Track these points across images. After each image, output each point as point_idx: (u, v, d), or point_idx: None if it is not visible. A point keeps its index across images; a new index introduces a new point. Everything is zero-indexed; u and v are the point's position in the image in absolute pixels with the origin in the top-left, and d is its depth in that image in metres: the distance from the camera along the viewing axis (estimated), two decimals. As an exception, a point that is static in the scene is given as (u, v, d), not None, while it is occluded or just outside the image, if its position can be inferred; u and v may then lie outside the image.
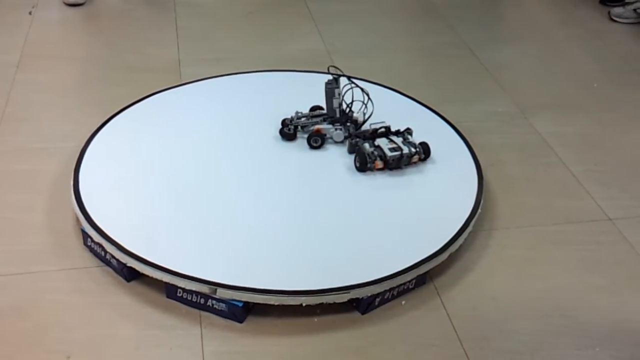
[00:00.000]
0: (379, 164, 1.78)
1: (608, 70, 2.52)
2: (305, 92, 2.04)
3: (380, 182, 1.77)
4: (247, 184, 1.75)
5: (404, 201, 1.71)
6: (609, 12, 2.89)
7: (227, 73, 2.23)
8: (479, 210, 1.70)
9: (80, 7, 2.80)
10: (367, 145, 1.80)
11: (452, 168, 1.83)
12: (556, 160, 2.00)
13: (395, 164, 1.79)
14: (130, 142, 1.88)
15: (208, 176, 1.76)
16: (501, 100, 2.29)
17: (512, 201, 1.83)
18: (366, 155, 1.78)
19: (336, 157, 1.85)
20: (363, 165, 1.78)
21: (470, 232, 1.65)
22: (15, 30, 2.60)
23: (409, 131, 1.86)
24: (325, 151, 1.88)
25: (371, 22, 2.80)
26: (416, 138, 1.85)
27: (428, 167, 1.82)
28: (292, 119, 1.93)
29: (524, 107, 2.25)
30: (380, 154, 1.78)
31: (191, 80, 2.20)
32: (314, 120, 1.92)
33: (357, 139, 1.83)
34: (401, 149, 1.79)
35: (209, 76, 2.21)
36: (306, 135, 1.89)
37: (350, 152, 1.84)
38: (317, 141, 1.88)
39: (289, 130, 1.91)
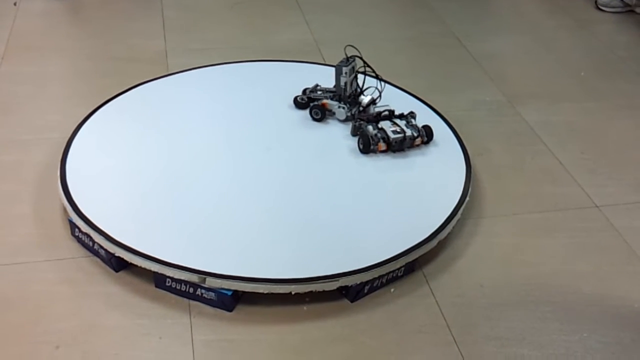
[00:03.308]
0: (382, 146, 1.79)
1: (595, 60, 2.53)
2: (293, 82, 2.04)
3: (367, 169, 1.77)
4: (235, 172, 1.74)
5: (392, 190, 1.71)
6: (595, 1, 2.90)
7: (214, 63, 2.23)
8: (467, 198, 1.70)
9: (65, -2, 2.79)
10: (370, 127, 1.82)
11: (440, 157, 1.83)
12: (543, 149, 2.01)
13: (398, 146, 1.81)
14: (117, 133, 1.87)
15: (196, 165, 1.76)
16: (489, 90, 2.30)
17: (499, 189, 1.84)
18: (369, 137, 1.79)
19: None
20: (366, 147, 1.80)
21: (459, 220, 1.66)
22: None
23: (412, 115, 1.88)
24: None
25: (359, 12, 2.80)
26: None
27: (416, 155, 1.82)
28: (309, 90, 1.98)
29: (512, 97, 2.26)
30: (384, 136, 1.80)
31: (178, 70, 2.19)
32: (326, 94, 1.95)
33: (361, 122, 1.84)
34: (404, 132, 1.81)
35: (196, 66, 2.20)
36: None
37: (354, 134, 1.86)
38: (317, 114, 1.92)
39: (301, 100, 1.97)
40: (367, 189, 1.71)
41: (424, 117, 1.95)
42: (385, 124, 1.84)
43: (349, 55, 1.90)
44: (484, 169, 1.90)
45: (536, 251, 1.65)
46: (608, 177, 1.91)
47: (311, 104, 1.96)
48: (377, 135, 1.80)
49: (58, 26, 2.63)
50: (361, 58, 1.90)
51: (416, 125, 1.85)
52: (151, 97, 2.04)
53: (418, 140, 1.83)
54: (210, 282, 1.43)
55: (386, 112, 1.87)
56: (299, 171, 1.76)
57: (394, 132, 1.81)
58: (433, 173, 1.78)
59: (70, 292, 1.49)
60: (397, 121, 1.85)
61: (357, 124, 1.85)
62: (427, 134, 1.84)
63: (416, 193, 1.71)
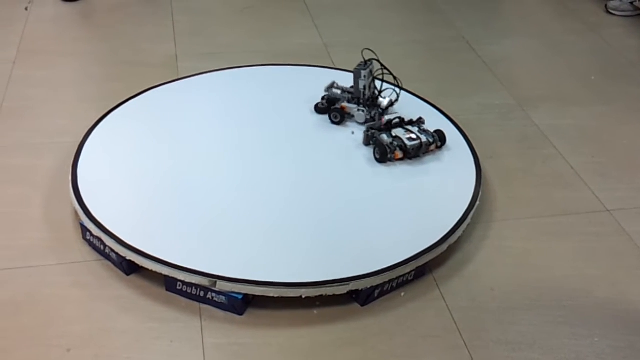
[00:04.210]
0: (399, 154, 1.78)
1: (605, 63, 2.52)
2: (303, 86, 2.05)
3: (378, 173, 1.77)
4: (246, 176, 1.74)
5: (402, 194, 1.71)
6: (605, 5, 2.90)
7: (224, 67, 2.24)
8: (478, 202, 1.70)
9: (76, 3, 2.80)
10: (384, 136, 1.80)
11: (450, 161, 1.83)
12: (554, 153, 2.01)
13: (415, 153, 1.80)
14: (128, 137, 1.88)
15: (207, 169, 1.76)
16: (499, 93, 2.30)
17: (510, 193, 1.83)
18: (386, 146, 1.77)
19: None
20: (383, 156, 1.78)
21: (469, 224, 1.66)
22: (11, 26, 2.60)
23: (421, 120, 1.87)
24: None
25: (368, 15, 2.81)
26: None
27: (427, 159, 1.82)
28: (327, 87, 1.97)
29: (522, 100, 2.25)
30: (400, 144, 1.78)
31: (189, 74, 2.20)
32: (344, 95, 1.95)
33: (373, 131, 1.83)
34: (419, 138, 1.80)
35: (206, 70, 2.21)
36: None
37: (366, 144, 1.84)
38: (336, 117, 1.93)
39: (322, 106, 1.96)
40: (377, 193, 1.71)
41: (435, 121, 1.94)
42: (398, 132, 1.82)
43: (366, 59, 1.89)
44: (494, 173, 1.90)
45: (547, 255, 1.65)
46: (619, 181, 1.90)
47: (331, 107, 1.95)
48: (393, 144, 1.78)
49: (69, 31, 2.64)
50: (378, 61, 1.90)
51: (429, 131, 1.84)
52: (162, 101, 2.05)
53: (433, 146, 1.82)
54: (221, 285, 1.44)
55: (397, 120, 1.86)
56: (309, 175, 1.77)
57: (410, 139, 1.79)
58: (443, 177, 1.78)
59: (81, 296, 1.49)
60: (410, 128, 1.84)
61: (369, 133, 1.83)
62: (440, 139, 1.84)
63: (426, 197, 1.71)
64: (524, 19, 2.87)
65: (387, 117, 1.86)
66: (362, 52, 1.89)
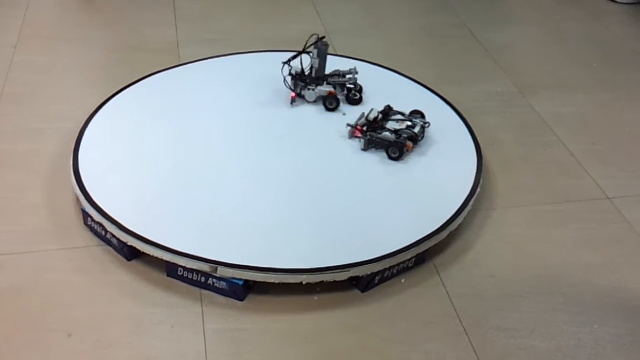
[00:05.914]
0: (410, 145, 1.76)
1: (607, 51, 2.51)
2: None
3: (379, 160, 1.77)
4: (247, 162, 1.75)
5: (404, 180, 1.71)
6: (608, -7, 2.89)
7: (226, 53, 2.23)
8: (478, 190, 1.70)
9: (77, -12, 2.79)
10: (388, 133, 1.76)
11: (452, 148, 1.83)
12: (555, 140, 2.00)
13: (421, 138, 1.80)
14: (129, 122, 1.88)
15: (208, 155, 1.76)
16: (500, 81, 2.29)
17: (511, 180, 1.84)
18: (400, 142, 1.74)
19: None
20: (402, 152, 1.75)
21: (470, 211, 1.66)
22: (12, 11, 2.59)
23: (391, 107, 1.86)
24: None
25: (370, 2, 2.79)
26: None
27: (428, 146, 1.82)
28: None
29: (523, 87, 2.25)
30: (410, 134, 1.77)
31: (190, 60, 2.19)
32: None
33: (370, 134, 1.77)
34: (417, 124, 1.80)
35: (208, 56, 2.20)
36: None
37: (365, 149, 1.79)
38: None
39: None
40: (378, 180, 1.71)
41: (435, 108, 1.94)
42: (394, 125, 1.80)
43: (322, 40, 1.89)
44: (495, 160, 1.90)
45: (547, 243, 1.65)
46: (620, 169, 1.90)
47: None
48: (401, 137, 1.75)
49: (71, 16, 2.63)
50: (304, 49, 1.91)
51: (411, 115, 1.83)
52: (163, 87, 2.05)
53: (427, 126, 1.83)
54: (222, 271, 1.44)
55: (379, 115, 1.81)
56: (310, 162, 1.76)
57: (410, 127, 1.78)
58: (444, 164, 1.77)
59: (83, 281, 1.50)
60: (396, 117, 1.83)
61: (368, 137, 1.77)
62: (423, 117, 1.84)
63: (427, 184, 1.71)
64: (526, 7, 2.85)
65: (371, 116, 1.80)
66: (322, 38, 1.90)
